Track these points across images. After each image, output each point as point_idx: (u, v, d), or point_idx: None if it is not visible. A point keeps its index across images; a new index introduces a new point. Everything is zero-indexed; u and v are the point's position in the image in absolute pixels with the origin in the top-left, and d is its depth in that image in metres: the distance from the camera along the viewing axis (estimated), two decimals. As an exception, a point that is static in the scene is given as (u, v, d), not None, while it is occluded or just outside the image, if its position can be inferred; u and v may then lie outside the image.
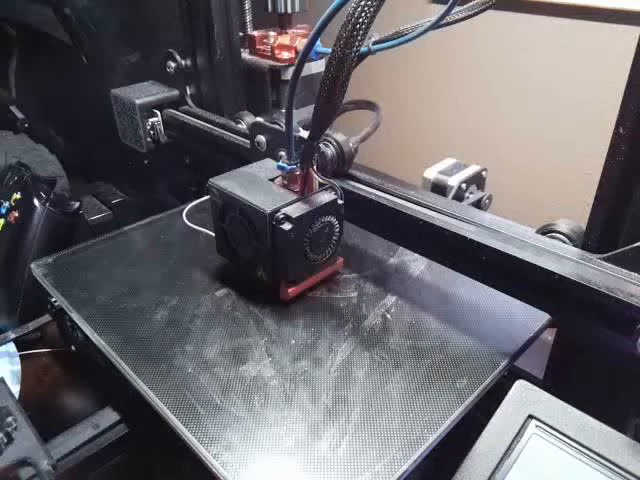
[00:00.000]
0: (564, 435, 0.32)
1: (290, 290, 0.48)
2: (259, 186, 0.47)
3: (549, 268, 0.37)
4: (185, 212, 0.56)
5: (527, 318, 0.47)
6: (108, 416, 0.47)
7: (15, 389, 0.58)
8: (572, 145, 1.26)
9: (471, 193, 0.78)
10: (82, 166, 0.99)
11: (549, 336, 0.44)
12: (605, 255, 0.37)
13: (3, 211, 0.70)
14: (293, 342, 0.45)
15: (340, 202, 0.46)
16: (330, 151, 0.50)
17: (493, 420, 0.34)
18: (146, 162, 0.84)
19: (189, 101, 0.71)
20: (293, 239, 0.44)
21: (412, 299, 0.50)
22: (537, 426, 0.33)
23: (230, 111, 0.70)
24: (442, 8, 0.38)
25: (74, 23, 0.77)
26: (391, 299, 0.50)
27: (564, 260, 0.38)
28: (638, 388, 0.38)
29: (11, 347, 0.63)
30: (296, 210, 0.44)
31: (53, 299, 0.54)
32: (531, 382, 0.35)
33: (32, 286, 0.59)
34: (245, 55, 0.74)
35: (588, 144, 1.21)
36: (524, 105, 1.32)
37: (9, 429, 0.38)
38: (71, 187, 0.93)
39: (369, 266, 0.55)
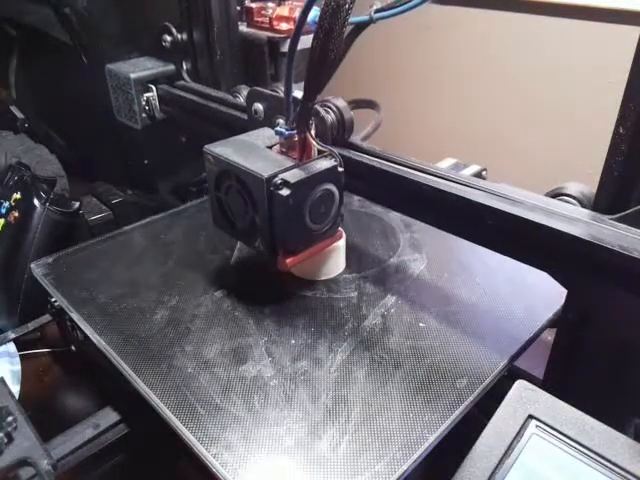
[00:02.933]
0: (564, 435, 0.32)
1: (289, 260, 0.45)
2: (256, 153, 0.45)
3: (560, 229, 0.36)
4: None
5: (527, 318, 0.47)
6: (108, 416, 0.46)
7: (15, 389, 0.58)
8: (572, 145, 1.26)
9: (471, 193, 0.77)
10: (82, 166, 0.99)
11: (549, 336, 0.44)
12: (617, 215, 0.36)
13: (3, 211, 0.70)
14: (293, 342, 0.45)
15: (340, 169, 0.45)
16: (330, 117, 0.48)
17: (493, 420, 0.34)
18: (146, 162, 0.84)
19: (185, 76, 0.69)
20: (291, 206, 0.42)
21: (412, 299, 0.50)
22: (537, 426, 0.33)
23: (227, 86, 0.68)
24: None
25: (74, 23, 0.77)
26: (391, 299, 0.50)
27: (575, 221, 0.37)
28: (638, 388, 0.38)
29: (11, 347, 0.63)
30: (294, 176, 0.42)
31: (53, 299, 0.54)
32: (531, 382, 0.35)
33: (32, 286, 0.59)
34: (243, 28, 0.72)
35: (588, 144, 1.21)
36: (524, 105, 1.32)
37: (9, 429, 0.38)
38: (71, 187, 0.93)
39: (369, 266, 0.55)
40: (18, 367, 0.61)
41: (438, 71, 1.48)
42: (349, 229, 0.54)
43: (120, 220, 0.80)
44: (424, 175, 0.44)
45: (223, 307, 0.49)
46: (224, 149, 0.46)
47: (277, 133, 0.45)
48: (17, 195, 0.70)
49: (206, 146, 0.46)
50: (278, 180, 0.41)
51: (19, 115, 0.99)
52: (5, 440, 0.37)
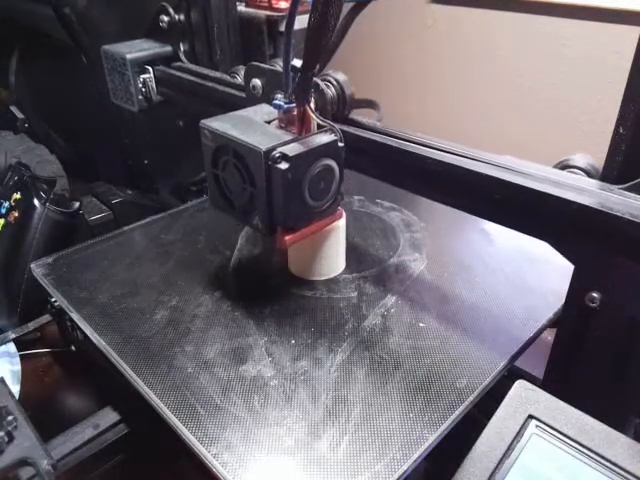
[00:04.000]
0: (564, 435, 0.32)
1: (287, 237, 0.44)
2: (254, 127, 0.44)
3: (569, 198, 0.35)
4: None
5: (527, 318, 0.47)
6: (108, 416, 0.47)
7: (15, 389, 0.58)
8: (572, 145, 1.26)
9: (471, 193, 0.77)
10: (82, 166, 0.99)
11: (549, 336, 0.44)
12: (626, 185, 0.36)
13: (3, 211, 0.70)
14: (293, 342, 0.45)
15: (340, 144, 0.43)
16: (330, 92, 0.47)
17: (493, 420, 0.34)
18: (146, 162, 0.84)
19: (182, 57, 0.68)
20: (290, 180, 0.40)
21: (412, 299, 0.50)
22: (537, 426, 0.33)
23: (225, 67, 0.67)
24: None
25: (74, 23, 0.77)
26: (391, 299, 0.50)
27: (583, 191, 0.36)
28: (638, 388, 0.38)
29: (11, 347, 0.63)
30: (293, 149, 0.40)
31: (53, 299, 0.54)
32: (531, 382, 0.35)
33: (32, 286, 0.59)
34: (241, 8, 0.71)
35: (589, 144, 1.21)
36: (524, 105, 1.32)
37: (9, 429, 0.38)
38: (71, 187, 0.93)
39: (369, 266, 0.55)
40: (18, 367, 0.61)
41: (438, 71, 1.48)
42: (349, 229, 0.54)
43: (120, 220, 0.80)
44: (429, 149, 0.43)
45: (223, 307, 0.49)
46: (221, 124, 0.44)
47: (275, 107, 0.44)
48: (17, 195, 0.70)
49: (202, 121, 0.45)
50: (276, 153, 0.40)
51: (19, 115, 0.99)
52: (5, 440, 0.37)
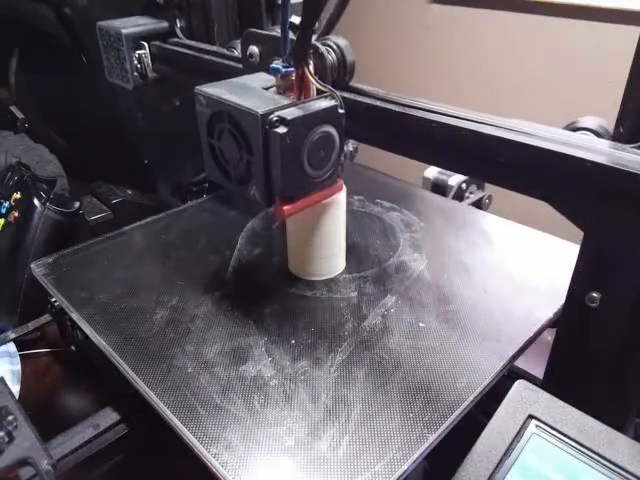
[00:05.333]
0: (564, 435, 0.32)
1: (286, 207, 0.42)
2: (251, 92, 0.42)
3: (580, 156, 0.34)
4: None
5: (527, 318, 0.47)
6: (108, 416, 0.46)
7: (15, 389, 0.58)
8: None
9: (471, 193, 0.78)
10: (82, 166, 0.99)
11: (549, 336, 0.44)
12: (639, 144, 0.35)
13: (3, 211, 0.70)
14: (293, 342, 0.45)
15: (341, 111, 0.42)
16: (330, 57, 0.45)
17: (493, 420, 0.34)
18: (146, 162, 0.84)
19: (179, 32, 0.67)
20: (288, 146, 0.39)
21: (412, 299, 0.50)
22: (537, 426, 0.33)
23: (222, 42, 0.65)
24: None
25: (74, 23, 0.77)
26: (391, 299, 0.50)
27: (595, 150, 0.34)
28: (638, 388, 0.38)
29: (11, 347, 0.63)
30: (292, 113, 0.39)
31: (53, 299, 0.54)
32: (531, 382, 0.35)
33: (32, 286, 0.59)
34: None
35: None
36: (524, 105, 1.32)
37: (9, 429, 0.38)
38: (71, 187, 0.93)
39: (369, 266, 0.55)
40: (18, 367, 0.61)
41: (438, 71, 1.48)
42: (349, 229, 0.54)
43: (120, 220, 0.80)
44: (431, 114, 0.41)
45: (223, 307, 0.49)
46: (216, 89, 0.43)
47: (273, 71, 0.42)
48: (17, 195, 0.70)
49: (197, 87, 0.43)
50: (274, 117, 0.38)
51: (19, 115, 0.99)
52: (5, 440, 0.37)
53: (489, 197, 0.78)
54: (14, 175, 0.73)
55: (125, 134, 0.84)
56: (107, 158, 0.94)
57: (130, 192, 0.87)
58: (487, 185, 0.79)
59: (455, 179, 0.75)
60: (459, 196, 0.75)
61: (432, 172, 0.77)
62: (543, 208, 0.38)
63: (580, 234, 0.37)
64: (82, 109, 0.92)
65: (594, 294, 0.36)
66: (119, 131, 0.84)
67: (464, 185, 0.75)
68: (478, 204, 0.76)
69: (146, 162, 0.83)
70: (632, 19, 1.12)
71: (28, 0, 0.83)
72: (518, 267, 0.55)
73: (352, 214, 0.64)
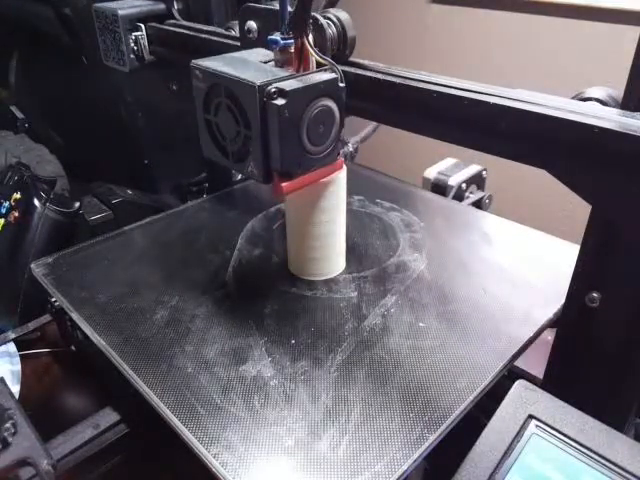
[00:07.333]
0: (564, 435, 0.32)
1: (284, 184, 0.41)
2: (248, 65, 0.41)
3: (587, 122, 0.33)
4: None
5: (527, 318, 0.47)
6: (108, 416, 0.47)
7: (15, 389, 0.58)
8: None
9: (471, 193, 0.78)
10: (82, 166, 0.99)
11: (549, 336, 0.44)
12: None
13: (3, 211, 0.70)
14: (293, 342, 0.45)
15: (341, 84, 0.41)
16: (331, 30, 0.43)
17: (493, 420, 0.34)
18: (146, 162, 0.84)
19: (176, 14, 0.66)
20: (286, 118, 0.38)
21: (412, 299, 0.50)
22: (537, 426, 0.33)
23: (220, 24, 0.64)
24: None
25: (74, 23, 0.77)
26: (391, 299, 0.50)
27: (603, 118, 0.33)
28: (638, 388, 0.38)
29: (11, 347, 0.63)
30: (290, 85, 0.38)
31: (53, 299, 0.54)
32: (531, 382, 0.35)
33: (32, 286, 0.59)
34: None
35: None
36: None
37: (9, 428, 0.38)
38: (71, 187, 0.93)
39: (369, 266, 0.55)
40: (18, 367, 0.61)
41: (437, 71, 1.48)
42: (349, 229, 0.54)
43: (120, 220, 0.80)
44: (433, 85, 0.40)
45: (223, 307, 0.49)
46: (213, 62, 0.42)
47: (271, 43, 0.41)
48: (17, 195, 0.70)
49: (193, 61, 0.42)
50: (272, 89, 0.37)
51: (19, 115, 0.99)
52: (5, 440, 0.37)
53: (489, 197, 0.78)
54: (14, 175, 0.73)
55: (125, 134, 0.84)
56: (107, 158, 0.94)
57: (130, 192, 0.87)
58: (487, 185, 0.80)
59: (455, 179, 0.75)
60: (459, 196, 0.75)
61: (432, 172, 0.77)
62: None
63: (580, 234, 0.37)
64: (82, 109, 0.92)
65: (594, 294, 0.36)
66: (119, 131, 0.84)
67: (464, 185, 0.75)
68: (478, 204, 0.76)
69: (146, 162, 0.83)
70: (632, 19, 1.12)
71: (28, 0, 0.83)
72: (518, 267, 0.55)
73: (352, 214, 0.64)
